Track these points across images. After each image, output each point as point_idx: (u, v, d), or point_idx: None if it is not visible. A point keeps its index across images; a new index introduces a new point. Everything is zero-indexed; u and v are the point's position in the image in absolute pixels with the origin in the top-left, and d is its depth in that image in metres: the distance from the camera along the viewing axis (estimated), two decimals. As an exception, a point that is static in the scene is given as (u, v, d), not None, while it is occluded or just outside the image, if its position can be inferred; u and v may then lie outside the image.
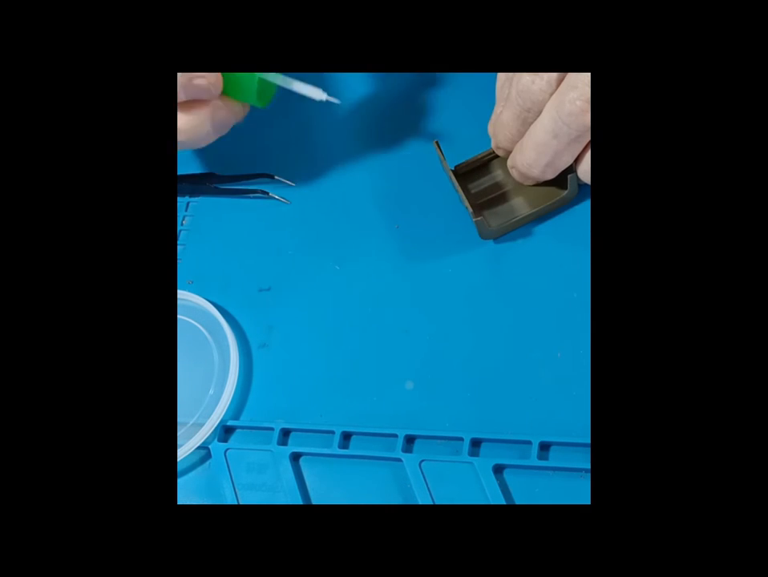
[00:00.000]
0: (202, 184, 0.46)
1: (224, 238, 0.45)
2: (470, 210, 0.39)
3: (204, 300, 0.42)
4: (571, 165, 0.38)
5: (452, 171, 0.40)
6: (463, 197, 0.39)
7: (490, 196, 0.41)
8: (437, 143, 0.40)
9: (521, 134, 0.38)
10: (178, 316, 0.42)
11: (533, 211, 0.40)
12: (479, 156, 0.42)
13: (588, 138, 0.36)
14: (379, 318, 0.40)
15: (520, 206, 0.41)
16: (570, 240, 0.39)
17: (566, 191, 0.39)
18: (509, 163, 0.40)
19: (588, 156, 0.37)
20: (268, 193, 0.45)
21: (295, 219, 0.45)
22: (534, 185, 0.40)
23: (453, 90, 0.46)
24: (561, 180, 0.39)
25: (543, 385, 0.36)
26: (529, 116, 0.36)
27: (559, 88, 0.34)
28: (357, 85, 0.48)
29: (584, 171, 0.38)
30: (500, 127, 0.39)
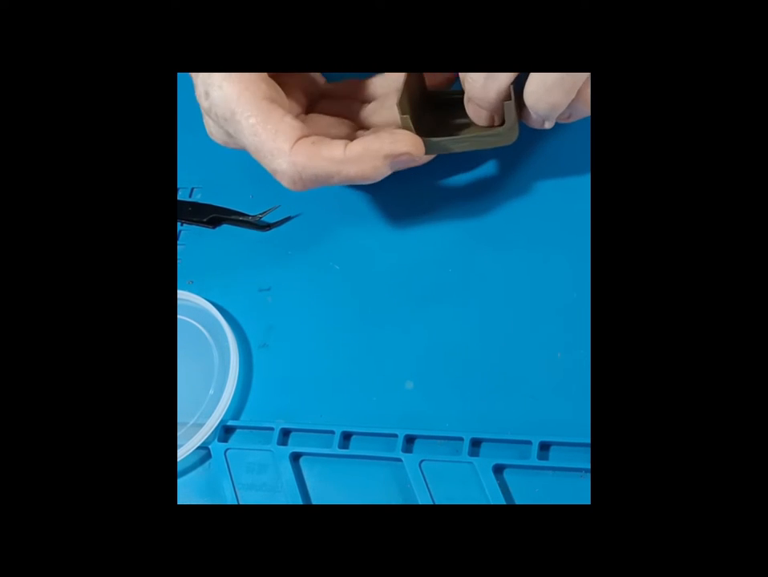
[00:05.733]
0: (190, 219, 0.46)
1: (224, 238, 0.45)
2: (401, 111, 0.37)
3: (204, 300, 0.42)
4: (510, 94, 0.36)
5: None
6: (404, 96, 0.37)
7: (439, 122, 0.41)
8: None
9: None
10: (178, 316, 0.42)
11: (468, 135, 0.39)
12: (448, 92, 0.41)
13: None
14: (379, 318, 0.40)
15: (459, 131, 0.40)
16: (570, 239, 0.39)
17: (504, 125, 0.38)
18: (465, 97, 0.38)
19: (533, 76, 0.34)
20: (250, 222, 0.45)
21: (295, 219, 0.45)
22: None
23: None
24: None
25: (543, 385, 0.36)
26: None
27: None
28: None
29: (530, 92, 0.35)
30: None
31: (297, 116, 0.40)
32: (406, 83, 0.38)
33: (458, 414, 0.37)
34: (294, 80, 0.41)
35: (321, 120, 0.41)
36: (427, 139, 0.38)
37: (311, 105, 0.43)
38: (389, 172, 0.38)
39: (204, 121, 0.40)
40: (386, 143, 0.37)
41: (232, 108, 0.37)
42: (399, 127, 0.38)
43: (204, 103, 0.38)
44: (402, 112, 0.37)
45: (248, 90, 0.37)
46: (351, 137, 0.39)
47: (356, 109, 0.42)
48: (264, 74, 0.38)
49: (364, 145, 0.37)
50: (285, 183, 0.38)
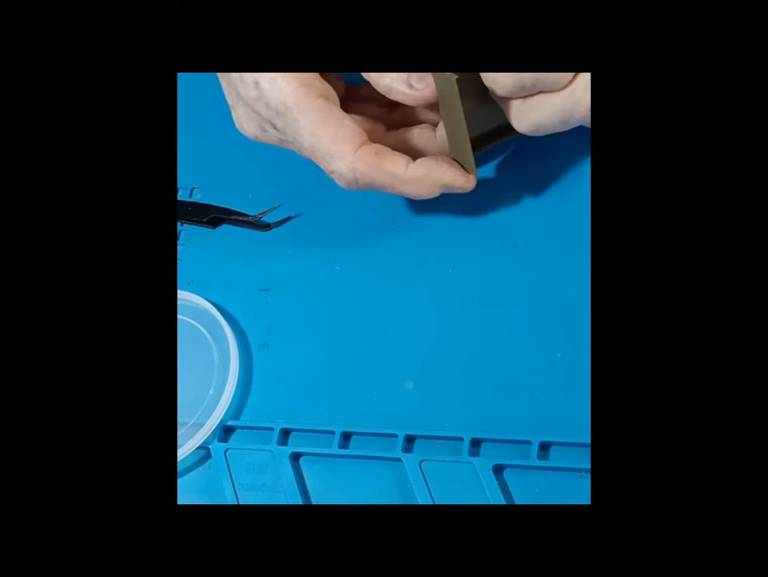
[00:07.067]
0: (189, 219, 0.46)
1: (224, 238, 0.45)
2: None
3: (204, 300, 0.42)
4: None
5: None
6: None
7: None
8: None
9: None
10: (178, 316, 0.42)
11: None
12: None
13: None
14: (379, 318, 0.40)
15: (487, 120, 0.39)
16: (570, 240, 0.39)
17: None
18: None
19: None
20: (250, 222, 0.45)
21: (295, 219, 0.45)
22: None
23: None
24: None
25: (543, 385, 0.36)
26: None
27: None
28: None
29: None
30: None
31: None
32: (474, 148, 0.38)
33: (458, 414, 0.37)
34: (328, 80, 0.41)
35: (360, 119, 0.41)
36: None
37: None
38: (437, 195, 0.39)
39: (234, 113, 0.39)
40: (446, 174, 0.38)
41: (287, 104, 0.36)
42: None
43: (251, 93, 0.37)
44: (472, 171, 0.38)
45: (304, 87, 0.36)
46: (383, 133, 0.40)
47: (381, 111, 0.42)
48: (315, 73, 0.37)
49: (426, 170, 0.38)
50: (340, 183, 0.38)
